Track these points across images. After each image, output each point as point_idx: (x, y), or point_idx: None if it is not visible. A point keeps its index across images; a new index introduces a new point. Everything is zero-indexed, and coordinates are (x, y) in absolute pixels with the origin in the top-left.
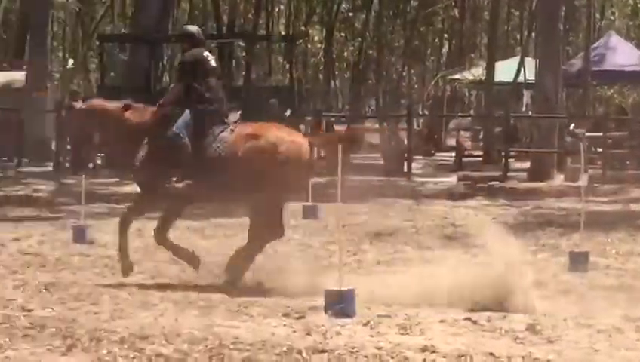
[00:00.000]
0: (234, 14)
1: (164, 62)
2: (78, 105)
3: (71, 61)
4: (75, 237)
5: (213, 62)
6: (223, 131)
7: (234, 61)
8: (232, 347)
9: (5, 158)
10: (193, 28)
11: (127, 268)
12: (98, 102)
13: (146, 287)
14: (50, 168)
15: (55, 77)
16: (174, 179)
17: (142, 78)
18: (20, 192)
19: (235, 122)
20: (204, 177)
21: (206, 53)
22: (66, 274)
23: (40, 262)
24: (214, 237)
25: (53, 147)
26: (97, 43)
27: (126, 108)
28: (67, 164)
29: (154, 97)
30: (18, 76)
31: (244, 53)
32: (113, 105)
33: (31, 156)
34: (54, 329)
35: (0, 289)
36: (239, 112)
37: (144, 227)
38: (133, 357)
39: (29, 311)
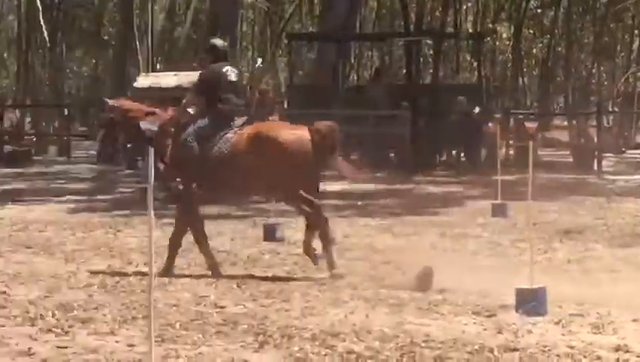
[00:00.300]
0: (422, 12)
1: (352, 60)
2: (111, 102)
3: (259, 60)
4: (265, 235)
5: (233, 77)
6: (227, 133)
7: (421, 59)
8: (423, 345)
9: None
10: (218, 41)
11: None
12: (125, 102)
13: (336, 284)
14: None
15: (245, 76)
16: (179, 180)
17: (330, 76)
18: None
19: (241, 125)
20: (211, 176)
21: (226, 68)
22: (257, 272)
23: (231, 259)
24: (403, 235)
25: None
26: (286, 42)
27: (148, 113)
28: None
29: (341, 95)
30: None
31: (431, 51)
32: (137, 107)
33: None
34: (246, 326)
35: (193, 286)
36: (245, 117)
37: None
38: (325, 354)
39: (222, 307)
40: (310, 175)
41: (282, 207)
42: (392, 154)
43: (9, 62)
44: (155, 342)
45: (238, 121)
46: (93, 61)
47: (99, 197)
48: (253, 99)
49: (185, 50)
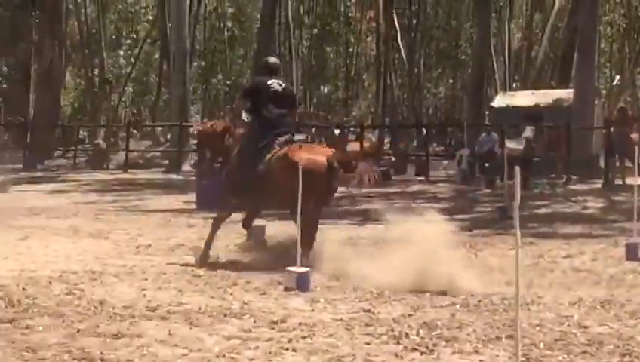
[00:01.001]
0: None
1: None
2: (195, 126)
3: (617, 78)
4: (628, 255)
5: (277, 88)
6: (268, 153)
7: None
8: None
9: (554, 176)
10: (271, 59)
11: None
12: (214, 123)
13: None
14: (599, 185)
15: (602, 94)
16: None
17: None
18: (570, 209)
19: (282, 145)
20: (251, 190)
21: (270, 81)
22: (621, 292)
23: (594, 279)
24: None
25: (601, 164)
26: None
27: (225, 129)
28: (617, 181)
29: None
30: (564, 94)
31: None
32: (221, 127)
33: (579, 173)
34: (612, 347)
35: (556, 306)
36: (289, 136)
37: None
38: None
39: (586, 327)
40: (320, 192)
41: None
42: None
43: (367, 83)
44: (521, 361)
45: (282, 138)
46: (451, 81)
47: (458, 216)
48: (611, 117)
49: (542, 68)
